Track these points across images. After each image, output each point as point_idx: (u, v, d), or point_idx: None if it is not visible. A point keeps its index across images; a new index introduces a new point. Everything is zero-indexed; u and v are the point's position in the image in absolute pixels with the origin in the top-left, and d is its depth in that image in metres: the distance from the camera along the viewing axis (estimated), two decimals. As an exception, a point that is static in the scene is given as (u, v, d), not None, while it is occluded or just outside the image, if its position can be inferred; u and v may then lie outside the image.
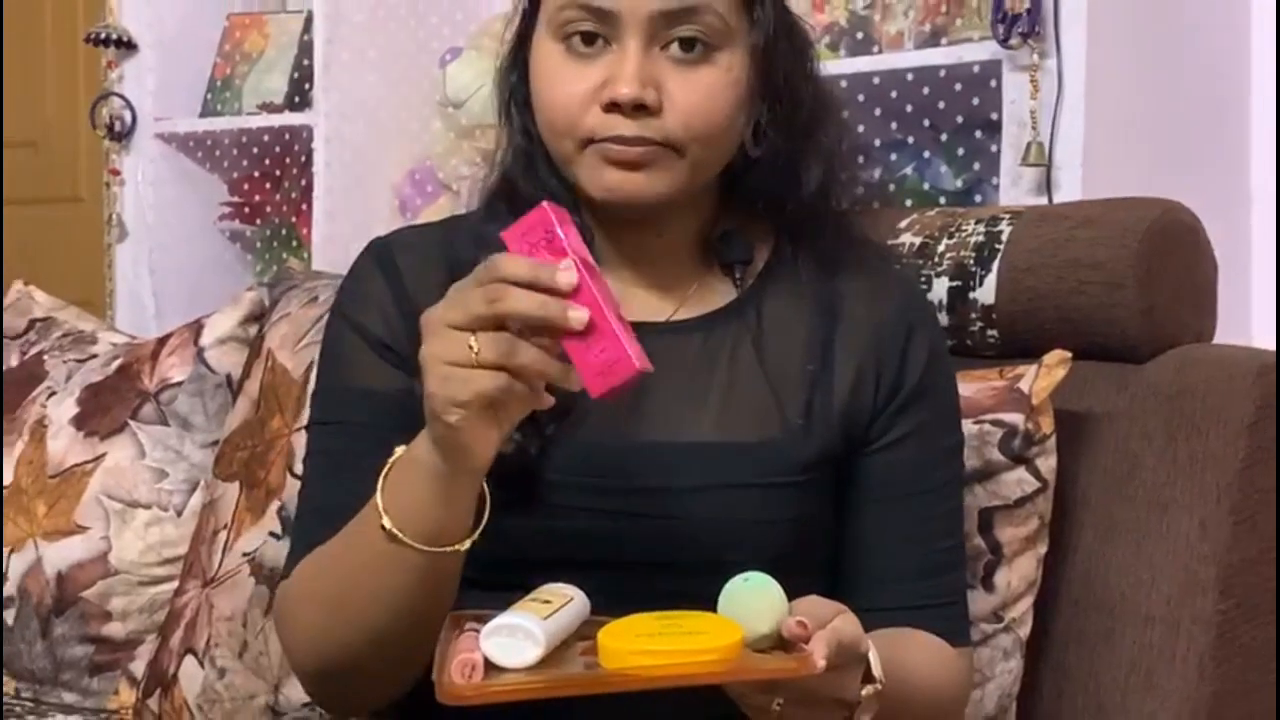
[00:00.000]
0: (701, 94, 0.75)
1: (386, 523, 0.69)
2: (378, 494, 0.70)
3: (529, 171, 0.81)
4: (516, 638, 0.62)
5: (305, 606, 0.77)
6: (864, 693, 0.66)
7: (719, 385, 0.79)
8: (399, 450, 0.71)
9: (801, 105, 0.80)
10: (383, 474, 0.70)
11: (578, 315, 0.64)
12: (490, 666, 0.62)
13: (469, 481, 0.69)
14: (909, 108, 1.35)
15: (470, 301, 0.64)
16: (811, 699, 0.64)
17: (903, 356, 0.81)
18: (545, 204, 0.67)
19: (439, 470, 0.67)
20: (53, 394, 1.41)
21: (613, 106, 0.74)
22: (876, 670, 0.66)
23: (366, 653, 0.74)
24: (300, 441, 1.19)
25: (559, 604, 0.65)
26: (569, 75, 0.76)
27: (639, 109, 0.74)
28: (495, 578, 0.74)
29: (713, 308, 0.81)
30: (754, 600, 0.63)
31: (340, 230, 1.76)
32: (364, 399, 0.80)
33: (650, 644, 0.60)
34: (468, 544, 0.70)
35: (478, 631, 0.63)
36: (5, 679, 1.36)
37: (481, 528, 0.70)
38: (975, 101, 1.31)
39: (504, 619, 0.63)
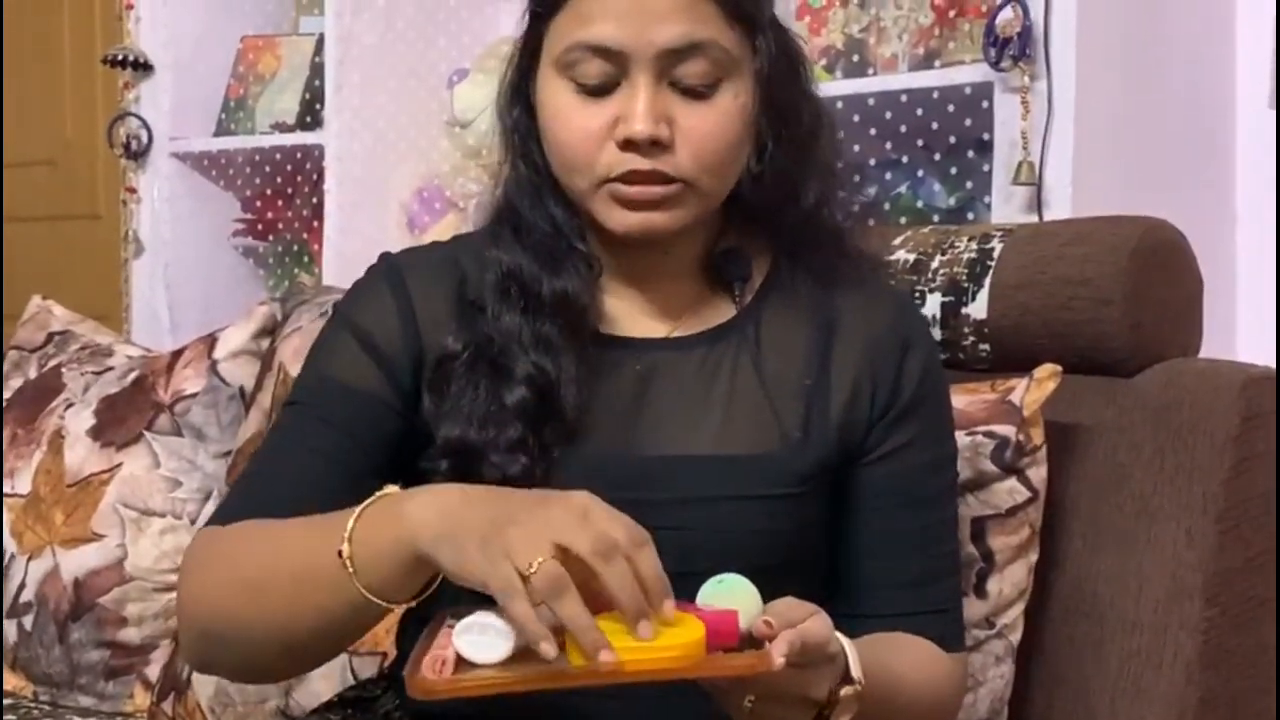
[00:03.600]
0: (711, 126, 0.75)
1: (345, 550, 0.67)
2: (350, 520, 0.67)
3: (534, 200, 0.81)
4: (488, 635, 0.62)
5: (225, 564, 0.75)
6: (843, 693, 0.66)
7: (719, 400, 0.80)
8: (390, 488, 0.69)
9: (801, 122, 0.81)
10: (364, 505, 0.68)
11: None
12: (462, 662, 0.62)
13: (436, 571, 0.67)
14: (903, 128, 1.36)
15: (584, 536, 0.62)
16: (779, 696, 0.65)
17: (898, 370, 0.81)
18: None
19: (417, 551, 0.65)
20: (70, 405, 1.42)
21: (628, 144, 0.74)
22: (855, 671, 0.67)
23: (257, 637, 0.72)
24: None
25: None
26: (580, 113, 0.75)
27: (654, 145, 0.74)
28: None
29: (713, 324, 0.82)
30: (727, 601, 0.65)
31: (350, 246, 1.76)
32: (339, 391, 0.79)
33: (614, 640, 0.61)
34: (403, 609, 0.69)
35: (453, 629, 0.64)
36: (23, 682, 1.36)
37: (424, 596, 0.68)
38: (968, 122, 1.32)
39: (475, 617, 0.63)
